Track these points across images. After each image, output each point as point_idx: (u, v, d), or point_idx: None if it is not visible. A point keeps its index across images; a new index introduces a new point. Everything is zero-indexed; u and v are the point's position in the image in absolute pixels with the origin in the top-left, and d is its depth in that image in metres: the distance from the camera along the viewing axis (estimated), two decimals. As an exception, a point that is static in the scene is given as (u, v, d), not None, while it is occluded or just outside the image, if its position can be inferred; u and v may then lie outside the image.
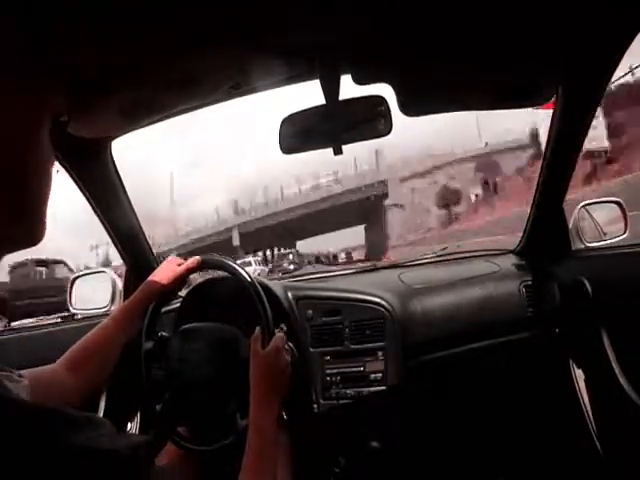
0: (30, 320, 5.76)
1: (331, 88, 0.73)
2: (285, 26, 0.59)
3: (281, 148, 0.81)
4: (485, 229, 17.81)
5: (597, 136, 14.67)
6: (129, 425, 1.07)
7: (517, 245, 1.35)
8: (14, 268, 8.94)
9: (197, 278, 1.12)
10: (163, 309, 0.92)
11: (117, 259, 1.20)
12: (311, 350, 1.07)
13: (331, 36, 0.62)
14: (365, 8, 0.56)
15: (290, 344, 0.90)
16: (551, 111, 0.97)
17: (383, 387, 1.03)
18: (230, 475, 0.59)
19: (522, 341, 1.15)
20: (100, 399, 0.94)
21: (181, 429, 0.85)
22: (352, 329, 1.07)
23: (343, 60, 0.68)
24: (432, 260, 1.47)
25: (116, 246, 1.13)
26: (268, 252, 38.58)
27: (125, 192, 1.06)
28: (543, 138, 1.33)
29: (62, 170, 0.86)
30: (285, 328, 0.83)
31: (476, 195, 28.16)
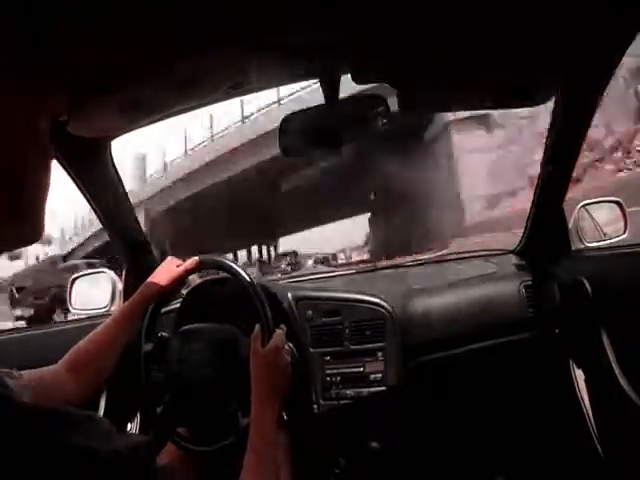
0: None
1: (331, 88, 0.73)
2: (285, 26, 0.58)
3: (281, 149, 0.81)
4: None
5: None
6: (129, 426, 1.07)
7: (517, 245, 1.35)
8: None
9: (196, 279, 1.12)
10: (162, 310, 0.92)
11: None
12: (311, 350, 1.07)
13: (331, 36, 0.62)
14: (365, 8, 0.56)
15: (290, 344, 0.90)
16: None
17: (383, 387, 1.03)
18: (230, 476, 0.59)
19: (522, 341, 1.15)
20: (100, 400, 0.94)
21: (181, 429, 0.85)
22: (352, 330, 1.07)
23: (343, 60, 0.68)
24: (432, 260, 1.48)
25: (116, 246, 1.13)
26: (254, 250, 28.56)
27: (125, 192, 1.06)
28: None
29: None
30: (285, 328, 0.83)
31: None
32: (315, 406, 1.03)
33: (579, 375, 1.18)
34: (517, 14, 0.59)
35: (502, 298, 1.18)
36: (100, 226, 1.11)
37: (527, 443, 1.23)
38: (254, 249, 29.06)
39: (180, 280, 0.89)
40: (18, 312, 9.20)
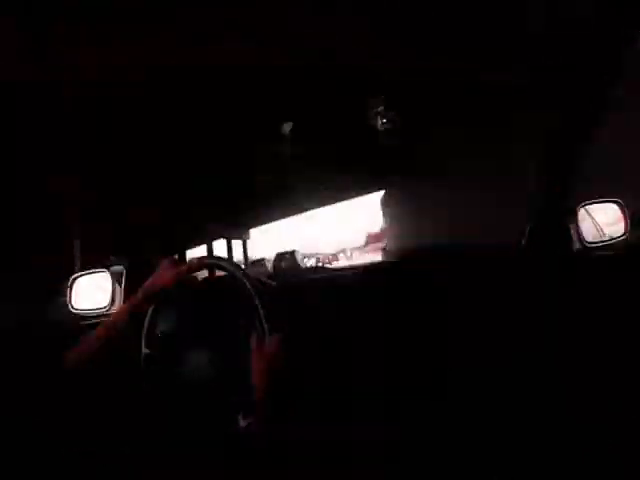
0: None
1: (331, 88, 0.73)
2: (285, 26, 0.59)
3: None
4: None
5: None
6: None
7: (517, 245, 1.35)
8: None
9: (196, 279, 1.12)
10: (162, 310, 0.92)
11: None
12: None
13: (331, 36, 0.62)
14: (365, 8, 0.56)
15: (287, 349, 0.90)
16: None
17: None
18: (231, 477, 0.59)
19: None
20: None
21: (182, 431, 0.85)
22: None
23: (343, 60, 0.68)
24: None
25: (116, 247, 1.13)
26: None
27: None
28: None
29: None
30: (284, 328, 0.83)
31: None
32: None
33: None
34: (517, 14, 0.59)
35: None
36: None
37: (522, 441, 1.22)
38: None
39: (180, 280, 0.89)
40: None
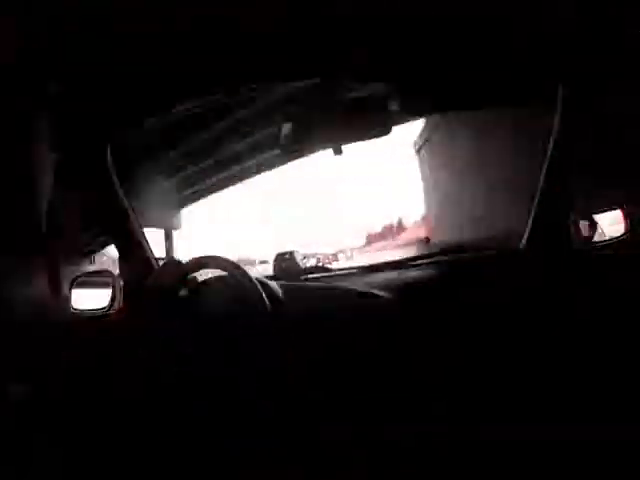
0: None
1: (331, 88, 0.73)
2: (286, 26, 0.59)
3: (282, 150, 0.81)
4: None
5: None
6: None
7: (517, 245, 1.34)
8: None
9: (197, 279, 1.12)
10: (164, 310, 0.92)
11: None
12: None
13: (332, 37, 0.62)
14: (366, 10, 0.56)
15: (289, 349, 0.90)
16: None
17: None
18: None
19: None
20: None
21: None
22: None
23: (344, 60, 0.68)
24: (433, 260, 1.47)
25: (116, 247, 1.13)
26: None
27: (122, 193, 1.05)
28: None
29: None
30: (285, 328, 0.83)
31: None
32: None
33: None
34: (517, 14, 0.59)
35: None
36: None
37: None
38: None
39: (181, 280, 0.89)
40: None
